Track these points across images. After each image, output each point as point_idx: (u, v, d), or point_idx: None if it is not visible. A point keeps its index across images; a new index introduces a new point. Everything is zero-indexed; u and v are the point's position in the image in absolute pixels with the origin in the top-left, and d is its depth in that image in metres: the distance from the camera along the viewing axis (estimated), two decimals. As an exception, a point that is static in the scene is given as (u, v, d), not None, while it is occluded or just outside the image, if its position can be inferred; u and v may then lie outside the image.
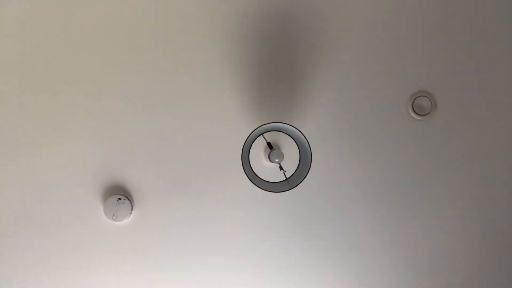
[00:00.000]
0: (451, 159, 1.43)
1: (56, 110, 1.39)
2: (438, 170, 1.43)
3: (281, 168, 1.24)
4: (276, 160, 1.24)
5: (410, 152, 1.43)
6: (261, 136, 1.21)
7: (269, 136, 1.34)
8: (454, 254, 1.44)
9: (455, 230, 1.44)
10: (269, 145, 1.29)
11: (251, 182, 1.16)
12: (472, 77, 1.43)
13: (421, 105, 1.41)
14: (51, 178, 1.39)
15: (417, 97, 1.41)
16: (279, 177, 1.24)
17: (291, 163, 1.26)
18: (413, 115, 1.41)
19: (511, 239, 1.45)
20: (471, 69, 1.43)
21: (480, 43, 1.43)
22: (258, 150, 1.39)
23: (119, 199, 1.37)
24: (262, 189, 1.18)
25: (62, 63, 1.39)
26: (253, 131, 1.16)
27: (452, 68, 1.42)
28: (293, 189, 1.18)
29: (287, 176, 1.22)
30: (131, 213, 1.38)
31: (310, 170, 1.16)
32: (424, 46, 1.42)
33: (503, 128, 1.43)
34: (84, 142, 1.39)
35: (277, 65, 1.42)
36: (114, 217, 1.37)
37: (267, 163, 1.36)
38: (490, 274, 1.45)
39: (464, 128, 1.43)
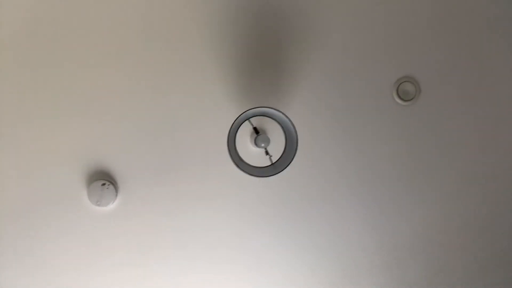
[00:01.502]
0: (435, 146, 1.44)
1: (42, 97, 1.37)
2: (422, 156, 1.44)
3: (267, 153, 1.24)
4: (262, 144, 1.24)
5: (395, 138, 1.43)
6: (247, 121, 1.20)
7: (255, 122, 1.33)
8: (439, 241, 1.47)
9: (438, 218, 1.46)
10: (255, 130, 1.28)
11: (237, 167, 1.16)
12: (457, 63, 1.44)
13: (406, 90, 1.42)
14: (35, 162, 1.37)
15: (402, 82, 1.42)
16: (265, 163, 1.24)
17: (277, 148, 1.26)
18: (398, 101, 1.42)
19: (492, 230, 1.47)
20: (456, 55, 1.43)
21: (465, 29, 1.43)
22: (245, 137, 1.39)
23: (103, 184, 1.36)
24: (248, 173, 1.17)
25: (51, 56, 1.37)
26: (239, 115, 1.15)
27: (437, 53, 1.43)
28: (278, 174, 1.18)
29: (273, 161, 1.22)
30: (115, 199, 1.37)
31: (295, 156, 1.16)
32: (410, 31, 1.43)
33: (488, 115, 1.44)
34: (68, 127, 1.38)
35: (262, 50, 1.41)
36: (98, 202, 1.36)
37: (253, 148, 1.36)
38: (471, 263, 1.48)
39: (448, 114, 1.44)
